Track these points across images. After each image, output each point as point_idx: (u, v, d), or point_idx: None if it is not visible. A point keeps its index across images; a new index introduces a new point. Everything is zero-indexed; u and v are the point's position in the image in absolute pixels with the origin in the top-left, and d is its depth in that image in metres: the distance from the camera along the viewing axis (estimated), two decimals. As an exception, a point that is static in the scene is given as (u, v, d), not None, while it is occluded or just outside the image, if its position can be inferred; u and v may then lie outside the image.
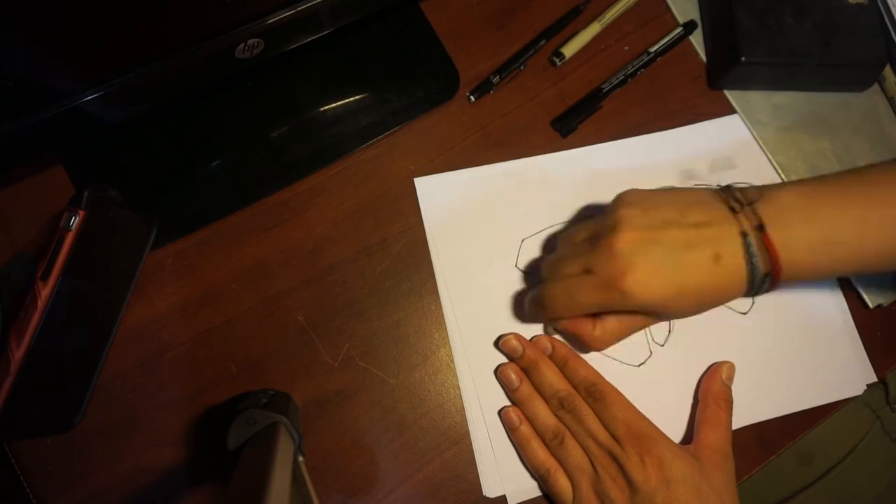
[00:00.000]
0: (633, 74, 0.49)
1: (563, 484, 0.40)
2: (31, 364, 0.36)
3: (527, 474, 0.42)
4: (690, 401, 0.44)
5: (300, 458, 0.34)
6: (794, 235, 0.35)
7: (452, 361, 0.43)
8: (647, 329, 0.45)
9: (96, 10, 0.28)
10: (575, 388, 0.41)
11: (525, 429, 0.41)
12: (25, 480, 0.39)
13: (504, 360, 0.43)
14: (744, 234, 0.35)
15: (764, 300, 0.46)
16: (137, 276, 0.41)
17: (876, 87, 0.52)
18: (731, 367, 0.44)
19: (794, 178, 0.49)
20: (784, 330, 0.45)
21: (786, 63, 0.48)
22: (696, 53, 0.52)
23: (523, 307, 0.43)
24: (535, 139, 0.48)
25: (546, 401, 0.41)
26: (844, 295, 0.47)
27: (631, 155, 0.48)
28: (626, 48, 0.51)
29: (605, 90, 0.49)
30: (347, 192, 0.46)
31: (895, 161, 0.37)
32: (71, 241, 0.36)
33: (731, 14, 0.48)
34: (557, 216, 0.46)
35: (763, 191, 0.37)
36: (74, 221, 0.36)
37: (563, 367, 0.42)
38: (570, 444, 0.40)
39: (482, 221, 0.46)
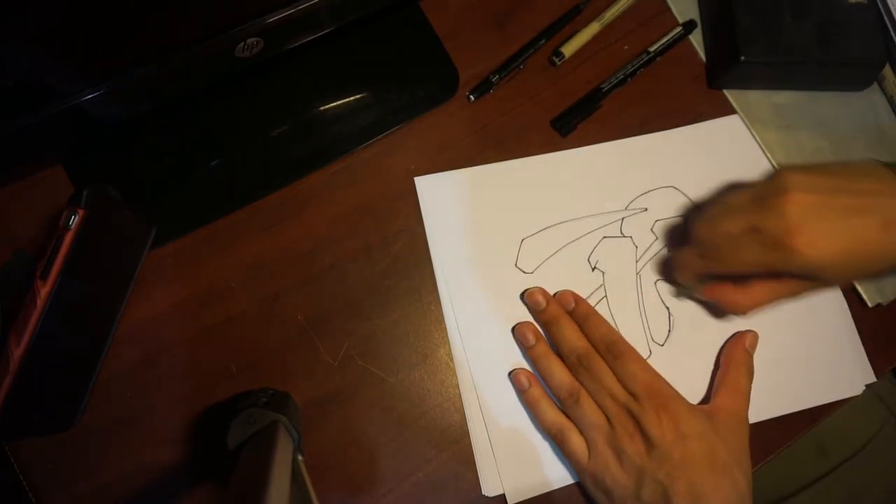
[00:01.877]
0: (633, 74, 0.49)
1: (577, 441, 0.40)
2: (30, 363, 0.36)
3: (526, 474, 0.42)
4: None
5: (299, 458, 0.34)
6: None
7: (452, 360, 0.43)
8: (646, 327, 0.45)
9: (96, 9, 0.28)
10: (594, 345, 0.41)
11: (535, 390, 0.42)
12: (25, 479, 0.39)
13: (505, 352, 0.44)
14: None
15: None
16: (137, 275, 0.41)
17: (875, 86, 0.52)
18: (755, 336, 0.44)
19: (793, 177, 0.49)
20: (783, 330, 0.45)
21: (785, 62, 0.48)
22: (696, 53, 0.52)
23: (672, 264, 0.44)
24: (535, 139, 0.48)
25: (564, 357, 0.42)
26: (844, 294, 0.47)
27: (632, 155, 0.48)
28: (626, 47, 0.51)
29: (604, 90, 0.49)
30: (347, 191, 0.46)
31: None
32: (70, 240, 0.36)
33: (731, 13, 0.48)
34: (558, 216, 0.46)
35: None
36: (74, 220, 0.36)
37: (583, 324, 0.42)
38: (586, 402, 0.40)
39: (482, 220, 0.46)
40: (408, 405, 0.43)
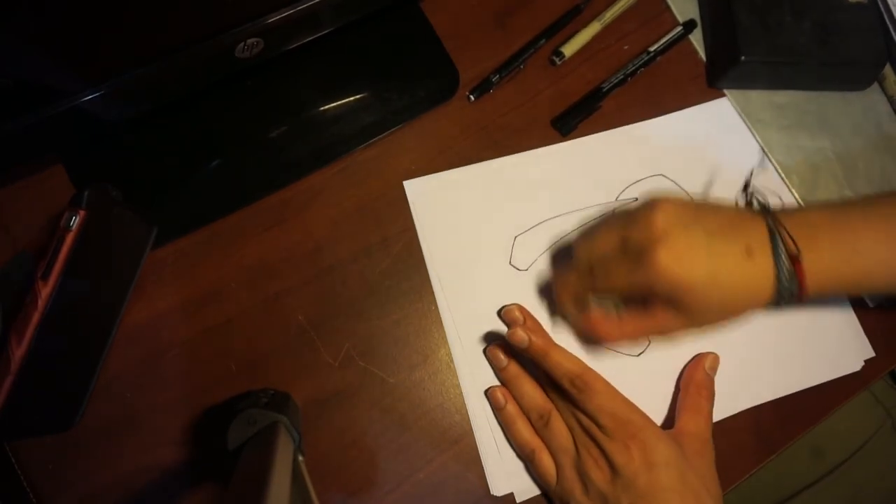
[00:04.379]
0: (633, 74, 0.49)
1: (547, 464, 0.40)
2: (31, 363, 0.36)
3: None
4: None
5: (300, 458, 0.34)
6: (818, 239, 0.36)
7: (452, 361, 0.43)
8: None
9: (96, 9, 0.28)
10: (558, 381, 0.40)
11: (511, 408, 0.41)
12: (25, 479, 0.39)
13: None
14: (770, 230, 0.36)
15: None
16: (138, 275, 0.41)
17: (876, 86, 0.52)
18: (716, 358, 0.44)
19: (794, 178, 0.49)
20: (778, 312, 0.45)
21: (785, 62, 0.48)
22: (696, 53, 0.52)
23: (552, 287, 0.44)
24: (536, 138, 0.48)
25: (540, 377, 0.42)
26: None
27: (618, 146, 0.48)
28: (626, 47, 0.51)
29: (605, 89, 0.49)
30: (348, 191, 0.46)
31: None
32: (71, 241, 0.36)
33: (731, 13, 0.48)
34: (549, 211, 0.46)
35: (784, 207, 0.38)
36: (75, 221, 0.36)
37: (544, 360, 0.39)
38: (556, 425, 0.40)
39: (474, 220, 0.46)
40: (408, 406, 0.43)
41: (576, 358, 0.40)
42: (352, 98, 0.47)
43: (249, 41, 0.34)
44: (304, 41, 0.38)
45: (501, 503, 0.41)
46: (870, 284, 0.37)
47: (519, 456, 0.42)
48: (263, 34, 0.35)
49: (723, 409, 0.44)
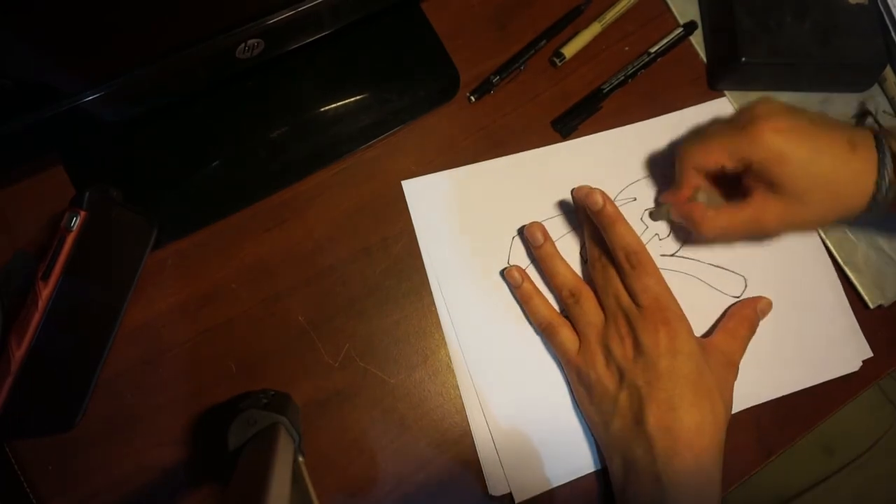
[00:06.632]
0: (634, 75, 0.49)
1: (567, 335, 0.41)
2: (31, 364, 0.36)
3: (531, 471, 0.42)
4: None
5: (300, 459, 0.34)
6: None
7: (452, 361, 0.43)
8: None
9: (96, 9, 0.28)
10: (614, 252, 0.40)
11: (528, 285, 0.43)
12: (25, 480, 0.39)
13: (504, 351, 0.43)
14: (876, 136, 0.37)
15: (756, 281, 0.46)
16: (138, 276, 0.41)
17: (876, 87, 0.52)
18: (769, 303, 0.44)
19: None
20: (777, 310, 0.45)
21: (786, 64, 0.48)
22: (697, 54, 0.52)
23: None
24: (536, 139, 0.48)
25: (588, 253, 0.43)
26: (845, 294, 0.47)
27: (618, 145, 0.48)
28: (627, 48, 0.51)
29: (605, 90, 0.49)
30: (348, 192, 0.46)
31: None
32: (72, 241, 0.36)
33: (732, 14, 0.48)
34: (547, 211, 0.46)
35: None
36: (76, 222, 0.36)
37: (607, 228, 0.41)
38: (587, 302, 0.41)
39: (473, 220, 0.46)
40: (408, 406, 0.43)
41: (638, 237, 0.41)
42: (352, 99, 0.47)
43: (250, 42, 0.34)
44: (305, 42, 0.38)
45: (500, 503, 0.41)
46: None
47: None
48: (264, 35, 0.35)
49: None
